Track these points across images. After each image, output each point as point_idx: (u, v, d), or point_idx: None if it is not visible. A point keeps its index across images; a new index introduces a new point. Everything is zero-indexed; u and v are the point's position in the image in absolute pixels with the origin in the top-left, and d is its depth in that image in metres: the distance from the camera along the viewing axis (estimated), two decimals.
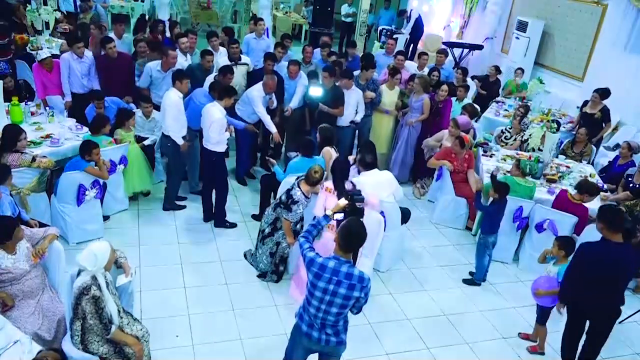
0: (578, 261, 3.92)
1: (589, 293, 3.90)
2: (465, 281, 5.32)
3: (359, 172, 5.08)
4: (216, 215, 5.74)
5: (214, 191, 5.71)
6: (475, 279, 5.30)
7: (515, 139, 7.08)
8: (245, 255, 5.23)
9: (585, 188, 5.20)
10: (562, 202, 5.28)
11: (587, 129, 6.89)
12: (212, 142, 5.35)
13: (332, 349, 3.23)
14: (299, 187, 4.62)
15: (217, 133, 5.29)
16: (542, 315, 4.44)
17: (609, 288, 3.90)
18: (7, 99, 5.65)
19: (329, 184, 4.60)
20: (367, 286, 3.03)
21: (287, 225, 4.69)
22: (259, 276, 4.98)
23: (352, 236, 3.03)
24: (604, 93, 7.24)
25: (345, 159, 5.16)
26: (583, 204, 5.22)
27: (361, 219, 3.20)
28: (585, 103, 7.62)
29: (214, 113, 5.25)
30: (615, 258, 3.78)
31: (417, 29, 12.58)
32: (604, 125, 7.34)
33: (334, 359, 3.32)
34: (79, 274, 3.23)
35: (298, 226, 4.83)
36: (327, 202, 4.50)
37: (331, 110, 6.48)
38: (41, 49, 6.66)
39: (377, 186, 4.96)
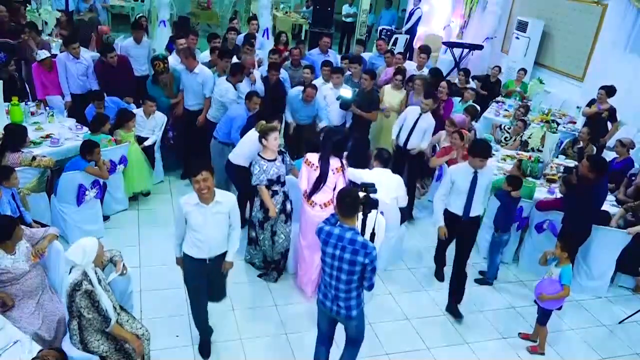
0: (597, 202, 4.84)
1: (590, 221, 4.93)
2: (477, 281, 5.31)
3: (370, 167, 5.16)
4: None
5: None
6: (488, 278, 5.31)
7: (515, 140, 7.08)
8: (252, 263, 5.18)
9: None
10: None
11: (590, 128, 6.89)
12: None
13: (342, 320, 3.51)
14: (258, 154, 4.65)
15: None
16: (544, 316, 4.44)
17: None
18: (7, 99, 5.65)
19: (310, 156, 4.58)
20: (372, 253, 3.23)
21: (262, 192, 4.60)
22: (259, 276, 4.98)
23: (342, 198, 3.29)
24: (610, 90, 7.26)
25: (338, 130, 5.28)
26: None
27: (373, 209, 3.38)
28: (590, 103, 7.60)
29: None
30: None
31: (414, 28, 12.63)
32: (609, 125, 7.34)
33: (350, 329, 3.59)
34: (70, 272, 3.24)
35: (288, 206, 4.79)
36: (309, 175, 4.56)
37: (364, 113, 6.40)
38: (41, 49, 6.64)
39: (384, 186, 4.97)
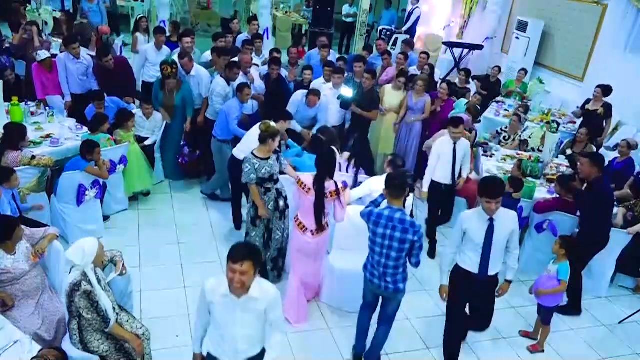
0: (605, 199, 4.74)
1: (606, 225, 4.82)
2: None
3: (372, 174, 5.12)
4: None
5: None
6: None
7: (513, 139, 7.07)
8: None
9: (566, 181, 5.24)
10: (564, 205, 5.27)
11: (588, 127, 6.90)
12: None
13: (390, 295, 3.78)
14: (252, 152, 4.55)
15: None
16: (546, 315, 4.44)
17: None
18: (7, 98, 5.65)
19: (304, 176, 4.29)
20: (419, 231, 3.58)
21: (252, 191, 4.53)
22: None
23: (391, 181, 3.64)
24: (606, 89, 7.29)
25: (332, 151, 4.82)
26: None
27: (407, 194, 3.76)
28: (586, 102, 7.63)
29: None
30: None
31: (413, 28, 12.65)
32: (605, 122, 7.35)
33: (393, 302, 3.85)
34: (70, 272, 3.25)
35: (281, 202, 4.69)
36: (300, 198, 4.29)
37: (365, 113, 6.41)
38: (41, 49, 6.65)
39: None
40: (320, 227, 4.30)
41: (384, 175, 4.92)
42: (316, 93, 6.12)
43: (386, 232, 3.58)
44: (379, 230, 3.60)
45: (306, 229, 4.28)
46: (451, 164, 5.32)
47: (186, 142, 6.48)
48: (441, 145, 5.35)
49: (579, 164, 4.98)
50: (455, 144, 5.28)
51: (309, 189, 4.18)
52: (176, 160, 6.47)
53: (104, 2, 10.90)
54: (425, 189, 5.41)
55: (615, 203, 5.64)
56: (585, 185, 4.93)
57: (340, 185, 4.25)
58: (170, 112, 6.21)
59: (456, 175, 5.39)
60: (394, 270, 3.66)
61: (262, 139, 4.50)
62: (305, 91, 6.23)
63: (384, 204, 3.76)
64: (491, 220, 3.69)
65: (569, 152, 6.81)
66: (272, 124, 4.71)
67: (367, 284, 3.87)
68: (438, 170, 5.36)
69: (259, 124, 5.03)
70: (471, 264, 3.82)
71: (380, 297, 3.92)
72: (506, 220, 3.75)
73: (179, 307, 4.47)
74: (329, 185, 4.19)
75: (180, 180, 6.60)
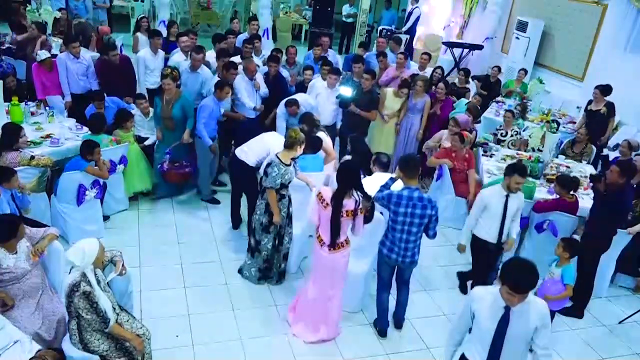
0: (618, 205, 4.74)
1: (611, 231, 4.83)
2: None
3: (369, 173, 5.05)
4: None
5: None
6: None
7: (511, 135, 7.05)
8: (240, 271, 5.01)
9: (565, 181, 5.22)
10: (564, 206, 5.26)
11: (589, 128, 6.90)
12: None
13: (406, 267, 4.23)
14: (276, 155, 4.51)
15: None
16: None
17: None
18: (7, 98, 5.65)
19: (324, 190, 4.01)
20: (436, 205, 4.01)
21: (272, 196, 4.49)
22: (259, 279, 4.91)
23: (406, 163, 3.99)
24: (604, 89, 7.29)
25: (354, 163, 4.62)
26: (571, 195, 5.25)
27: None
28: (589, 103, 7.63)
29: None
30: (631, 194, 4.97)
31: (413, 28, 12.66)
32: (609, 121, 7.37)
33: (408, 271, 4.30)
34: (70, 272, 3.25)
35: (291, 209, 4.71)
36: (320, 212, 4.00)
37: (363, 113, 6.42)
38: (41, 49, 6.65)
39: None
40: (334, 244, 4.00)
41: (375, 175, 4.94)
42: (294, 102, 6.01)
43: (407, 210, 3.92)
44: (401, 210, 3.93)
45: (324, 242, 4.04)
46: (500, 221, 4.49)
47: (170, 151, 5.73)
48: (490, 195, 4.57)
49: (610, 170, 4.78)
50: (508, 196, 4.49)
51: (327, 204, 3.90)
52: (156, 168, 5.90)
53: (101, 1, 10.97)
54: (464, 241, 4.77)
55: None
56: (606, 188, 4.86)
57: (359, 206, 3.93)
58: (168, 124, 5.76)
59: (504, 234, 4.55)
60: (413, 244, 4.08)
61: (290, 145, 4.45)
62: (284, 100, 6.12)
63: (394, 186, 4.06)
64: (507, 308, 2.80)
65: (574, 151, 6.77)
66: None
67: (384, 258, 4.19)
68: (483, 225, 4.59)
69: (270, 133, 5.06)
70: (477, 355, 2.99)
71: (396, 268, 4.30)
72: (530, 313, 2.80)
73: (179, 307, 4.47)
74: (348, 203, 3.87)
75: (175, 195, 6.19)
